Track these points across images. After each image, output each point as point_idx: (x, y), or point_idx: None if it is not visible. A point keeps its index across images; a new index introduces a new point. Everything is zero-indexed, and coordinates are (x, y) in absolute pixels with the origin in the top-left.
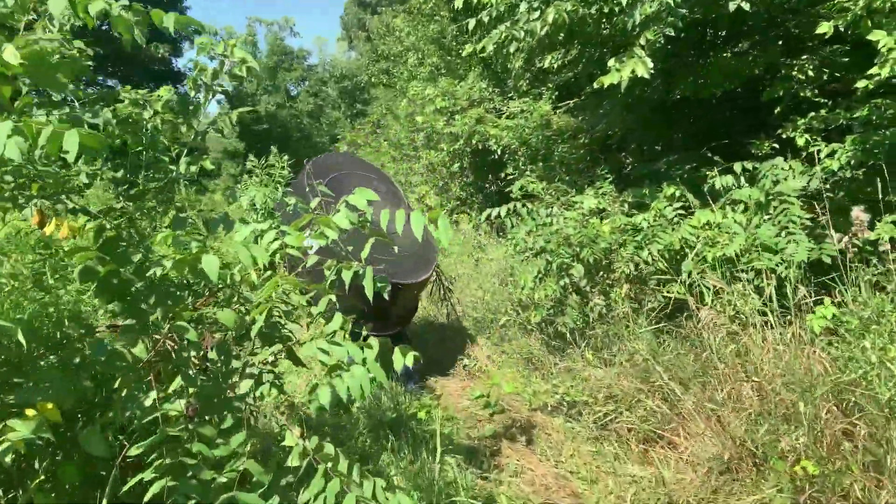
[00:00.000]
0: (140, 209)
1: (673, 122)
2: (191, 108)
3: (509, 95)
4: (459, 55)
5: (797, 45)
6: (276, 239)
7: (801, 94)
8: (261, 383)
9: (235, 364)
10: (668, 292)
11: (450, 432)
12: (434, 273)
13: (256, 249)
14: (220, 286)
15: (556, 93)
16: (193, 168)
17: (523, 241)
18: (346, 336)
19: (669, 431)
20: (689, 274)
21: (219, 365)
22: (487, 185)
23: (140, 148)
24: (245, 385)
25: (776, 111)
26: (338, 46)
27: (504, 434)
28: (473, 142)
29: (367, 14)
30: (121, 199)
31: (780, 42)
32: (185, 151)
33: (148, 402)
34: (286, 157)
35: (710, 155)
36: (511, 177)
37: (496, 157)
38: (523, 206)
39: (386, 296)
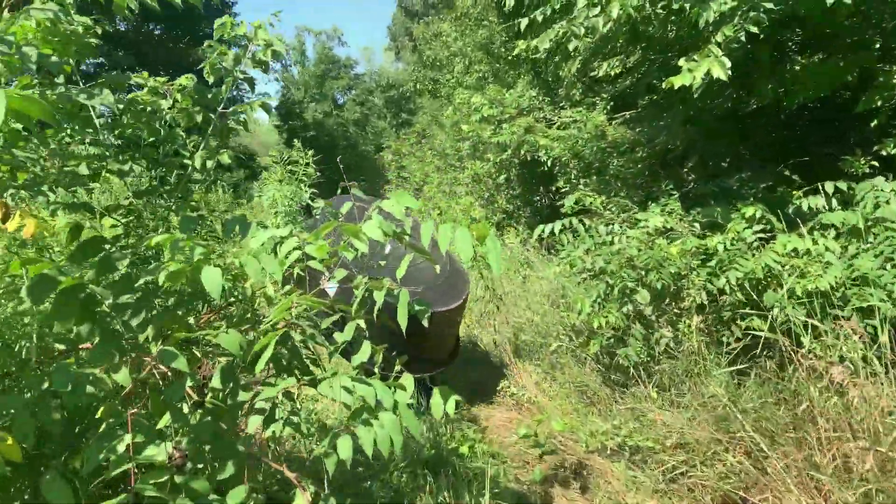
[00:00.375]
0: (150, 208)
1: (744, 135)
2: (209, 95)
3: (561, 105)
4: (508, 61)
5: None
6: (296, 248)
7: None
8: (272, 420)
9: (243, 396)
10: (748, 328)
11: (495, 473)
12: (464, 302)
13: (268, 260)
14: (231, 300)
15: (612, 103)
16: (210, 163)
17: (580, 261)
18: (378, 371)
19: (754, 493)
20: (775, 308)
21: (222, 397)
22: (536, 199)
23: (152, 139)
24: (253, 422)
25: (872, 124)
26: (384, 56)
27: (556, 478)
28: (522, 152)
29: (415, 23)
30: (129, 195)
31: (878, 46)
32: (202, 145)
33: (121, 448)
34: (311, 152)
35: (787, 173)
36: (563, 190)
37: (546, 168)
38: (580, 221)
39: (425, 322)
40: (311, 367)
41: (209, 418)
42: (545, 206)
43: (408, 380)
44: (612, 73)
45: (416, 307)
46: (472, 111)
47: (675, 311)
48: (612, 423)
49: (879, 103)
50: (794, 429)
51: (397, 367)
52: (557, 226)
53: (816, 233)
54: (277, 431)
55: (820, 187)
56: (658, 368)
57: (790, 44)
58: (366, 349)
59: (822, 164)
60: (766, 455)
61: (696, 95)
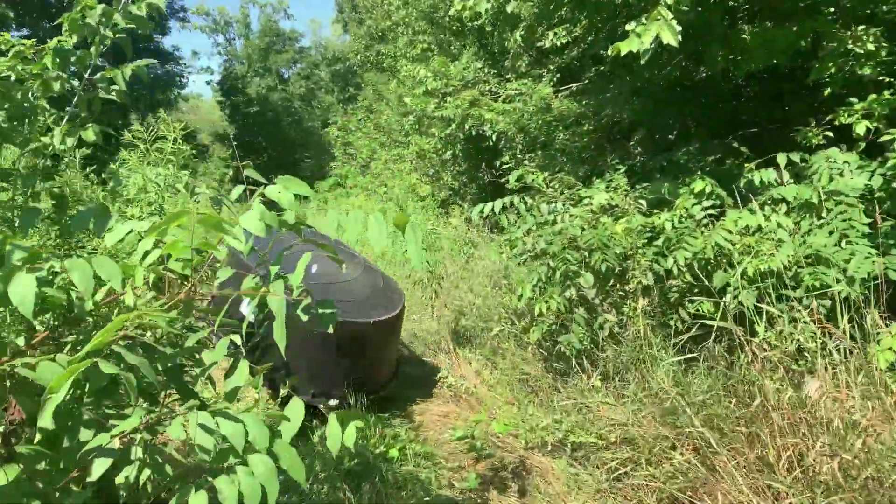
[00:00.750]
0: None
1: (692, 107)
2: (72, 59)
3: (507, 77)
4: (453, 31)
5: (853, 13)
6: (155, 246)
7: (859, 72)
8: (128, 462)
9: (84, 435)
10: (697, 313)
11: (426, 479)
12: (400, 314)
13: (104, 263)
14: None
15: (558, 75)
16: (70, 141)
17: (521, 242)
18: (259, 397)
19: (702, 494)
20: (725, 290)
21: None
22: (481, 175)
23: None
24: (99, 467)
25: (826, 92)
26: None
27: (493, 480)
28: (466, 127)
29: None
30: None
31: (832, 10)
32: (65, 119)
33: None
34: (181, 124)
35: (737, 145)
36: (507, 166)
37: (490, 143)
38: (521, 200)
39: (330, 329)
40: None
41: (25, 477)
42: (488, 183)
43: (296, 407)
44: (559, 44)
45: (322, 310)
46: (416, 84)
47: (620, 293)
48: (552, 417)
49: (833, 70)
50: (745, 424)
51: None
52: (498, 204)
53: (768, 208)
54: (132, 476)
55: (773, 160)
56: (602, 356)
57: (742, 10)
58: (242, 370)
59: (772, 136)
60: (716, 451)
61: (643, 62)
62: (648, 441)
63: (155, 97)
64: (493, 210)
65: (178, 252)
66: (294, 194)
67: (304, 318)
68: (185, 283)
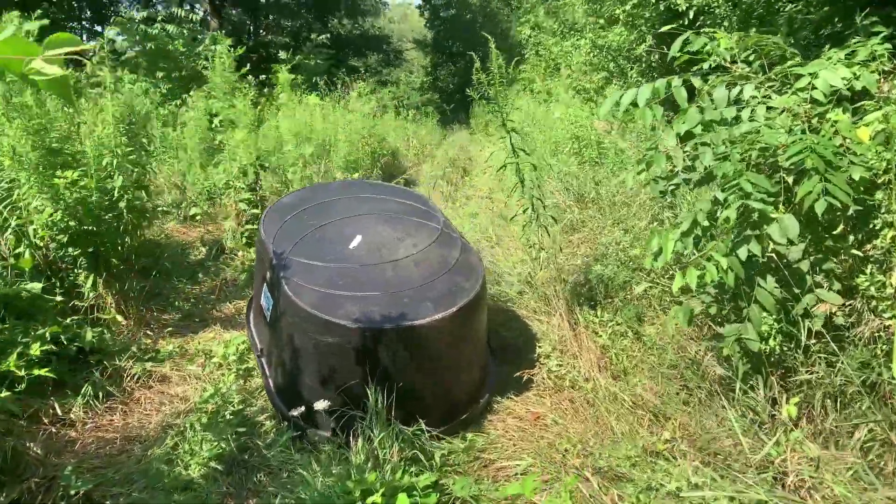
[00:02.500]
0: None
1: None
2: None
3: None
4: None
5: None
6: None
7: None
8: None
9: None
10: None
11: None
12: (472, 304)
13: None
14: None
15: None
16: None
17: (664, 158)
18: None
19: None
20: None
21: None
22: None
23: None
24: None
25: None
26: None
27: None
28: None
29: None
30: None
31: None
32: None
33: None
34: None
35: None
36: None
37: (687, 21)
38: (684, 82)
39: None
40: None
41: None
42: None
43: None
44: None
45: None
46: None
47: (853, 255)
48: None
49: None
50: None
51: None
52: (644, 92)
53: None
54: None
55: None
56: (805, 371)
57: None
58: None
59: None
60: None
61: None
62: None
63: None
64: (634, 103)
65: None
66: None
67: None
68: None
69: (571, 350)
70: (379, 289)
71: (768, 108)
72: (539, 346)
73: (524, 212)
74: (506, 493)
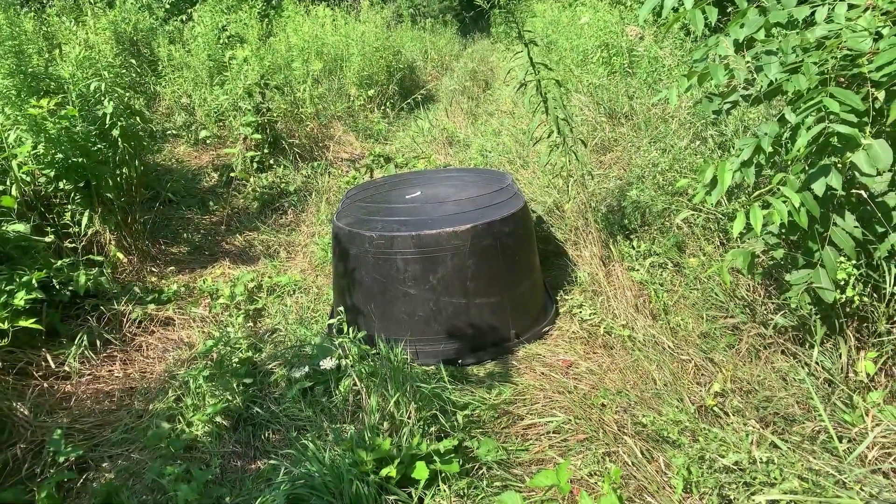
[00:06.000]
0: None
1: None
2: None
3: None
4: None
5: None
6: None
7: None
8: None
9: None
10: None
11: None
12: (518, 215)
13: None
14: None
15: None
16: None
17: (723, 69)
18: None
19: None
20: None
21: None
22: None
23: None
24: None
25: None
26: None
27: None
28: None
29: None
30: None
31: None
32: None
33: None
34: None
35: None
36: None
37: None
38: None
39: None
40: None
41: None
42: None
43: None
44: None
45: None
46: None
47: None
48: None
49: None
50: None
51: None
52: None
53: None
54: None
55: None
56: (888, 324)
57: None
58: None
59: None
60: None
61: None
62: None
63: None
64: (680, 2)
65: None
66: None
67: None
68: None
69: (604, 291)
70: (412, 215)
71: (850, 7)
72: (568, 286)
73: (549, 136)
74: (537, 484)
